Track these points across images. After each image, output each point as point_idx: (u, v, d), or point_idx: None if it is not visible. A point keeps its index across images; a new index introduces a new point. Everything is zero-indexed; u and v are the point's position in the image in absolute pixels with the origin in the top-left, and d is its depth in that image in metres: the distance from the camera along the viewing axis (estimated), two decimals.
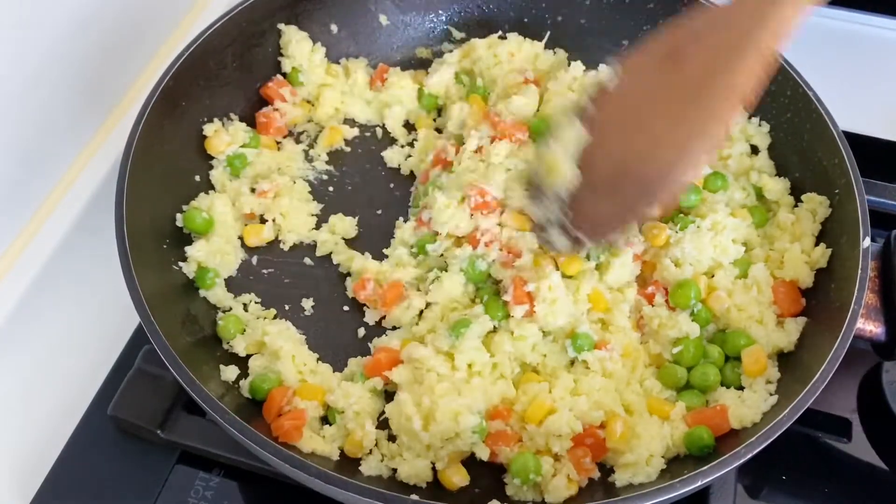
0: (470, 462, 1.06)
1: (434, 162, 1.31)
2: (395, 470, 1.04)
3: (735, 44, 0.97)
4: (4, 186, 1.26)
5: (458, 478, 1.03)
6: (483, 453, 1.04)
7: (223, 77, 1.33)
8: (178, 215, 1.22)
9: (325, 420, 1.10)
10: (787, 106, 1.27)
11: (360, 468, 1.03)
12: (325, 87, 1.42)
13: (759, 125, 1.31)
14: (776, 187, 1.25)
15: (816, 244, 1.18)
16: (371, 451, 1.06)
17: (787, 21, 0.94)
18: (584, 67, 1.37)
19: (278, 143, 1.38)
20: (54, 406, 1.21)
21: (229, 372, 1.10)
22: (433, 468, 1.04)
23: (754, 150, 1.32)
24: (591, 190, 1.12)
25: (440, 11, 1.50)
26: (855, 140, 1.19)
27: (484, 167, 1.24)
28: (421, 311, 1.19)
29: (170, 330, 1.03)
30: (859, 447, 1.21)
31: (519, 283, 1.13)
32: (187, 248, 1.20)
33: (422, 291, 1.19)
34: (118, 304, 1.05)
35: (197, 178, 1.29)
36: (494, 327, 1.14)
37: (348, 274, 1.25)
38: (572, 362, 1.14)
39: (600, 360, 1.11)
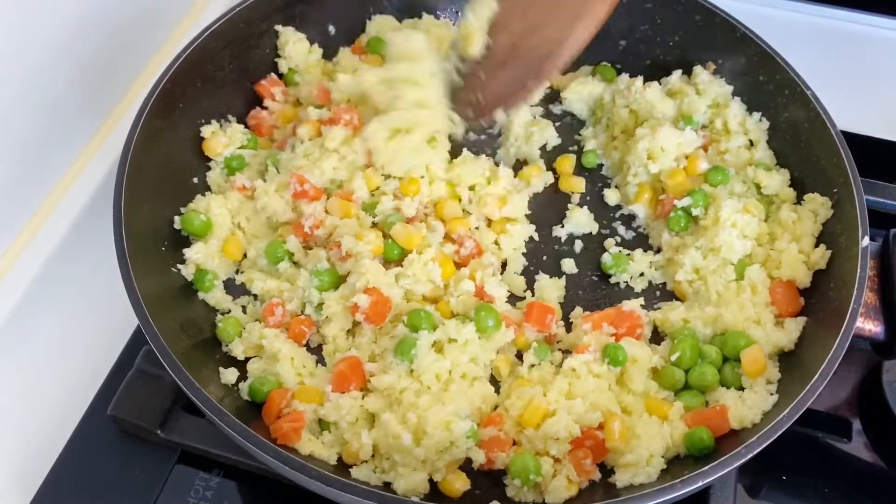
0: (467, 465, 1.05)
1: (291, 131, 1.31)
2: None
3: None
4: (6, 187, 1.26)
5: (459, 483, 1.02)
6: (479, 456, 1.03)
7: (220, 79, 1.32)
8: (177, 217, 1.22)
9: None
10: (785, 105, 1.27)
11: (357, 475, 1.02)
12: None
13: (760, 121, 1.32)
14: (772, 182, 1.25)
15: (816, 244, 1.18)
16: (367, 460, 1.04)
17: None
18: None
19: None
20: (54, 406, 1.21)
21: (229, 374, 1.10)
22: (430, 480, 1.03)
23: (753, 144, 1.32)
24: (493, 60, 1.19)
25: (437, 13, 1.50)
26: (855, 140, 1.19)
27: (319, 153, 1.25)
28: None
29: (169, 333, 1.03)
30: (859, 447, 1.21)
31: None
32: (185, 251, 1.19)
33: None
34: (118, 305, 1.05)
35: (195, 180, 1.29)
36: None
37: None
38: (560, 366, 1.13)
39: (585, 363, 1.11)
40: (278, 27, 1.39)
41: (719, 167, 1.27)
